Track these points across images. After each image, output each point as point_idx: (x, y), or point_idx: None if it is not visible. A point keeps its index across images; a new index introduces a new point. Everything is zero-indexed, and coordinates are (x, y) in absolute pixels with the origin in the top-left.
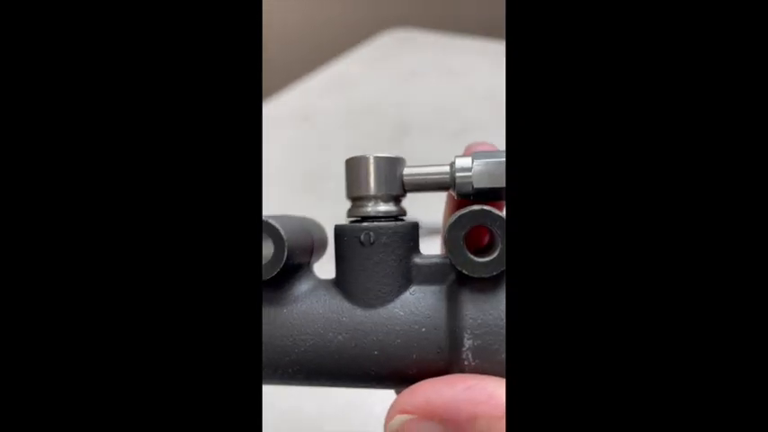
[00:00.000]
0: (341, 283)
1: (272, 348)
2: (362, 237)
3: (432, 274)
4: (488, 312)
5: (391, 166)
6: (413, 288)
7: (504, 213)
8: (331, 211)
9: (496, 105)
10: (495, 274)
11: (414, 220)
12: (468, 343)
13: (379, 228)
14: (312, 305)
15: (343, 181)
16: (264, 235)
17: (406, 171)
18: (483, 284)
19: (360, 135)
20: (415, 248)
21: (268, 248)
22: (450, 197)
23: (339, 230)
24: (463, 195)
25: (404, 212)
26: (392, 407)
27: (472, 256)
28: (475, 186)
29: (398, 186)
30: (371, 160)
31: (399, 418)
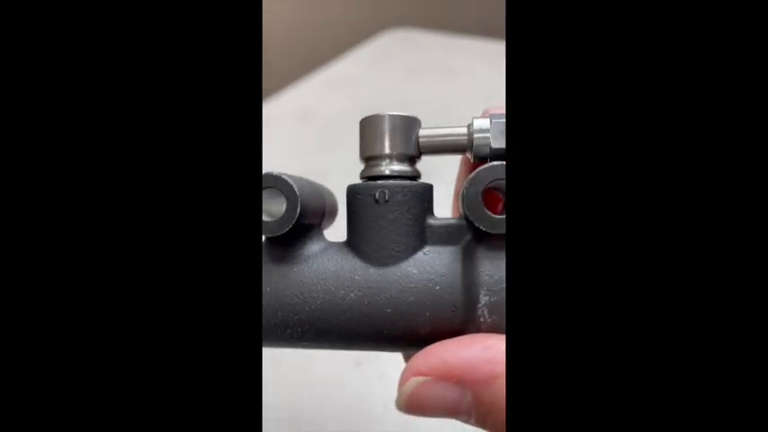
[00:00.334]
0: (353, 241)
1: (282, 307)
2: (377, 194)
3: (447, 234)
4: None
5: (407, 125)
6: (427, 248)
7: None
8: None
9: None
10: None
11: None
12: (484, 299)
13: (395, 186)
14: (323, 264)
15: (343, 180)
16: (277, 190)
17: (422, 132)
18: (499, 242)
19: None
20: (429, 209)
21: (280, 204)
22: (464, 162)
23: (352, 189)
24: (480, 158)
25: (418, 174)
26: (406, 369)
27: (490, 213)
28: (493, 147)
29: (414, 147)
30: (387, 119)
31: (414, 380)
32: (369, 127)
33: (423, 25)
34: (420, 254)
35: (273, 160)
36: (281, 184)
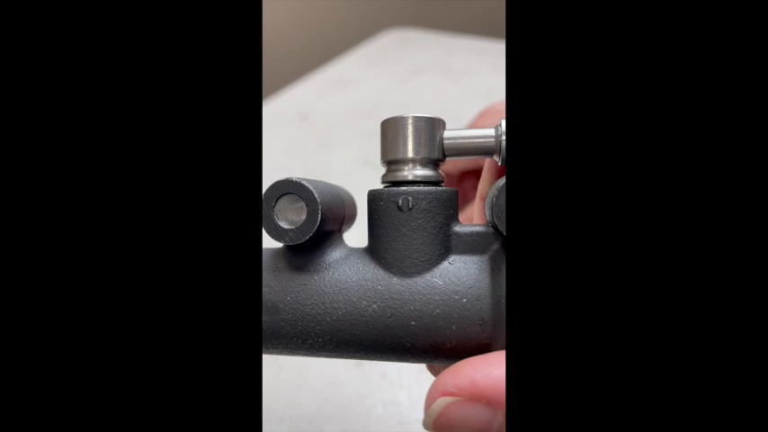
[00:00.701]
0: (375, 250)
1: (302, 317)
2: (400, 201)
3: (473, 243)
4: None
5: (431, 127)
6: (452, 257)
7: None
8: None
9: None
10: None
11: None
12: None
13: (419, 192)
14: (345, 272)
15: (343, 180)
16: (296, 196)
17: (447, 134)
18: None
19: (359, 134)
20: (454, 216)
21: (300, 211)
22: (491, 165)
23: (374, 195)
24: None
25: (443, 179)
26: (433, 388)
27: None
28: None
29: (438, 150)
30: (410, 121)
31: (442, 400)
32: (391, 129)
33: (422, 25)
34: (445, 263)
35: (273, 160)
36: (300, 190)
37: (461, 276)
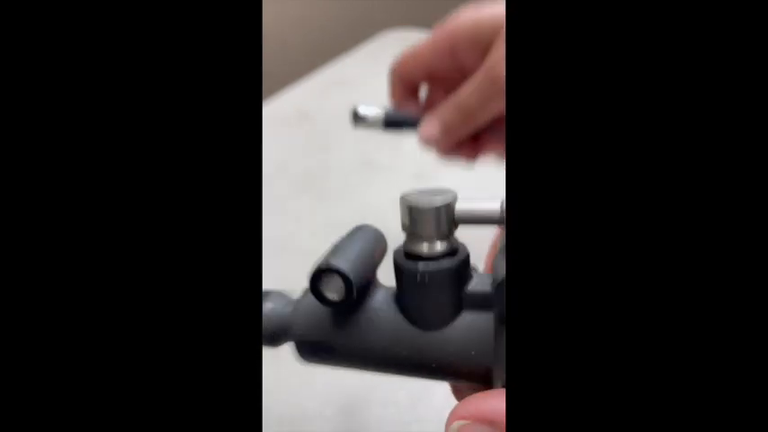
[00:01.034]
0: (401, 302)
1: (349, 353)
2: (418, 277)
3: (482, 300)
4: None
5: (448, 211)
6: (464, 314)
7: None
8: (331, 210)
9: None
10: None
11: (465, 251)
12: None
13: (435, 269)
14: (380, 321)
15: (343, 180)
16: (334, 276)
17: (459, 207)
18: None
19: (360, 135)
20: (466, 278)
21: (338, 286)
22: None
23: (397, 263)
24: None
25: (457, 247)
26: (451, 415)
27: None
28: None
29: (452, 222)
30: (433, 212)
31: (457, 423)
32: (413, 212)
33: (421, 26)
34: (459, 320)
35: (275, 159)
36: (335, 271)
37: (472, 331)
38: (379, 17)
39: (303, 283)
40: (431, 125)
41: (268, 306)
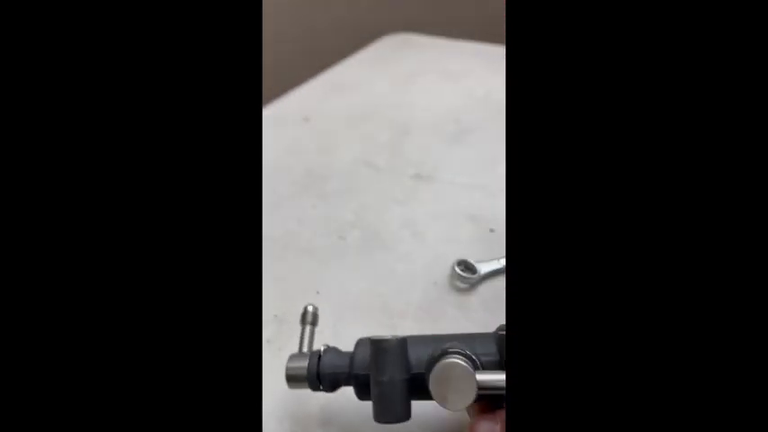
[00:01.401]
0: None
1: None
2: None
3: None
4: None
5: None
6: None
7: None
8: (331, 210)
9: (494, 107)
10: None
11: None
12: None
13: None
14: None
15: (343, 180)
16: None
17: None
18: None
19: (360, 136)
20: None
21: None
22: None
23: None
24: None
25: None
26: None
27: None
28: None
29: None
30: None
31: None
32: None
33: (421, 29)
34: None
35: (277, 160)
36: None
37: None
38: (380, 22)
39: (303, 282)
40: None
41: (327, 357)
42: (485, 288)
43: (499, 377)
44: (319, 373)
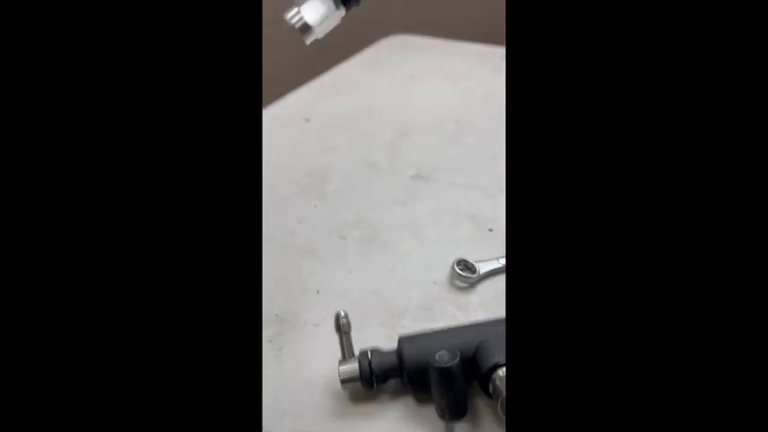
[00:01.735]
0: None
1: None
2: None
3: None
4: None
5: None
6: None
7: None
8: (331, 210)
9: (494, 108)
10: None
11: None
12: None
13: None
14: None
15: (343, 181)
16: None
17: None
18: None
19: (361, 136)
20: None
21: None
22: None
23: None
24: None
25: None
26: None
27: None
28: None
29: None
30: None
31: None
32: None
33: (422, 31)
34: None
35: (278, 161)
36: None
37: None
38: (381, 24)
39: (303, 282)
40: None
41: (375, 358)
42: (484, 287)
43: None
44: (372, 372)
